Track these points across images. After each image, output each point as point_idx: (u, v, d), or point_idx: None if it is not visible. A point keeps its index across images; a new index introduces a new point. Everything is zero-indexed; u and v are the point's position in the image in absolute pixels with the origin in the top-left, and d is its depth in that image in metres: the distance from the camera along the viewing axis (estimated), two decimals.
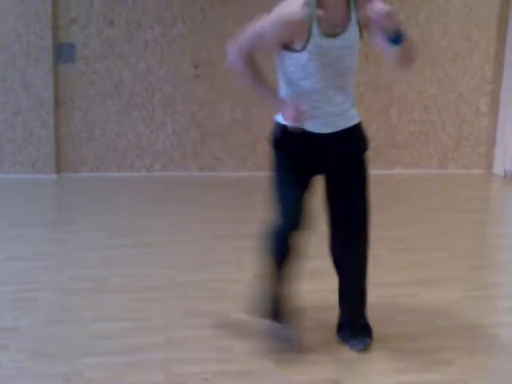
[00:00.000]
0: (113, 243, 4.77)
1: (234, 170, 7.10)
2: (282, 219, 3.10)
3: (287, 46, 2.95)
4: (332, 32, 2.90)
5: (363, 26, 2.97)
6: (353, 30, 2.94)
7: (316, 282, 3.90)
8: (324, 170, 3.17)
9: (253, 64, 3.04)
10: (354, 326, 3.30)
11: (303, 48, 2.89)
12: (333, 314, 3.38)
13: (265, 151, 6.98)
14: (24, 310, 3.60)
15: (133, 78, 6.80)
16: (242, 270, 4.30)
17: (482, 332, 3.56)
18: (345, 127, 3.10)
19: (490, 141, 7.61)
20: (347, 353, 3.21)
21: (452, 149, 7.57)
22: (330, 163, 3.15)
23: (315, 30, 2.87)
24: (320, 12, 2.85)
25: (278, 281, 3.20)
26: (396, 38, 2.78)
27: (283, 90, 3.11)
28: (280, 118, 3.13)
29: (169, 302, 3.79)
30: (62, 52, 6.62)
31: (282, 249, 3.15)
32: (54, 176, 6.73)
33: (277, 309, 3.25)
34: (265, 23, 2.94)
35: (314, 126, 3.05)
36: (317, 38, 2.87)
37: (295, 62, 2.95)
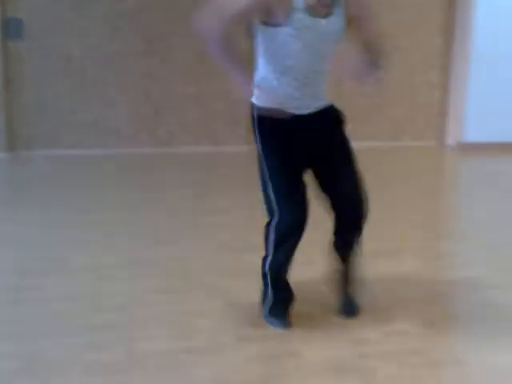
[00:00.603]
0: (69, 222, 4.72)
1: (188, 145, 7.07)
2: (288, 217, 3.09)
3: (267, 20, 2.85)
4: (317, 11, 2.86)
5: (348, 21, 3.00)
6: (338, 17, 2.93)
7: None
8: (313, 157, 3.15)
9: (229, 38, 2.86)
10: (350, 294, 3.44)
11: (286, 22, 2.82)
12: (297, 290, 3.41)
13: (219, 126, 7.02)
14: None
15: (83, 53, 6.69)
16: (203, 246, 4.31)
17: (438, 301, 3.63)
18: (319, 108, 3.10)
19: (441, 112, 7.72)
20: (306, 326, 3.25)
21: (405, 121, 7.66)
22: (316, 147, 3.13)
23: (298, 3, 2.81)
24: None
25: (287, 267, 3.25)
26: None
27: (264, 69, 3.02)
28: (257, 100, 3.06)
29: (129, 280, 3.77)
30: (10, 27, 6.46)
31: (292, 244, 3.17)
32: (6, 154, 6.62)
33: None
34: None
35: (291, 107, 3.02)
36: (300, 13, 2.82)
37: (278, 38, 2.87)
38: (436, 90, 7.68)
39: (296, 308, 3.33)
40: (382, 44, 3.25)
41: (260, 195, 3.16)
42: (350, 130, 3.23)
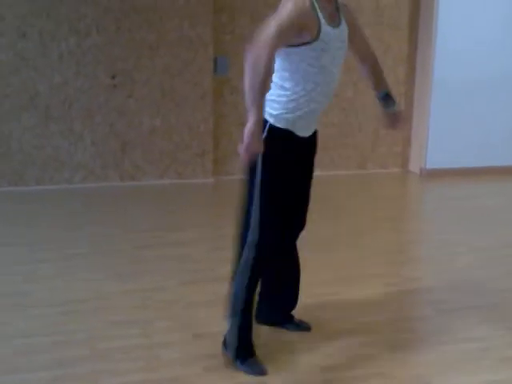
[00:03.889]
0: (34, 258, 4.68)
1: (155, 178, 7.08)
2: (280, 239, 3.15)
3: (298, 40, 2.85)
4: (333, 22, 2.95)
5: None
6: (345, 26, 3.04)
7: None
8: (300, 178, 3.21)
9: (271, 64, 2.82)
10: None
11: (316, 37, 2.85)
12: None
13: (185, 159, 7.05)
14: None
15: (49, 90, 6.69)
16: (167, 278, 4.30)
17: (402, 326, 3.67)
18: (313, 131, 3.18)
19: (405, 140, 7.84)
20: (272, 354, 3.26)
21: (369, 149, 7.76)
22: (303, 169, 3.20)
23: (321, 17, 2.87)
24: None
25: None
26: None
27: (290, 91, 2.95)
28: (272, 119, 2.99)
29: (94, 313, 3.75)
30: None
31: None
32: None
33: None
34: (282, 18, 2.77)
35: (303, 129, 3.05)
36: (326, 26, 2.88)
37: (310, 54, 2.88)
38: None
39: (260, 333, 3.35)
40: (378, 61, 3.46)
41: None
42: (317, 159, 3.29)
